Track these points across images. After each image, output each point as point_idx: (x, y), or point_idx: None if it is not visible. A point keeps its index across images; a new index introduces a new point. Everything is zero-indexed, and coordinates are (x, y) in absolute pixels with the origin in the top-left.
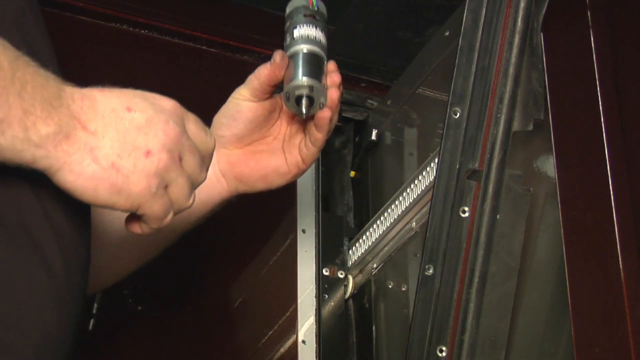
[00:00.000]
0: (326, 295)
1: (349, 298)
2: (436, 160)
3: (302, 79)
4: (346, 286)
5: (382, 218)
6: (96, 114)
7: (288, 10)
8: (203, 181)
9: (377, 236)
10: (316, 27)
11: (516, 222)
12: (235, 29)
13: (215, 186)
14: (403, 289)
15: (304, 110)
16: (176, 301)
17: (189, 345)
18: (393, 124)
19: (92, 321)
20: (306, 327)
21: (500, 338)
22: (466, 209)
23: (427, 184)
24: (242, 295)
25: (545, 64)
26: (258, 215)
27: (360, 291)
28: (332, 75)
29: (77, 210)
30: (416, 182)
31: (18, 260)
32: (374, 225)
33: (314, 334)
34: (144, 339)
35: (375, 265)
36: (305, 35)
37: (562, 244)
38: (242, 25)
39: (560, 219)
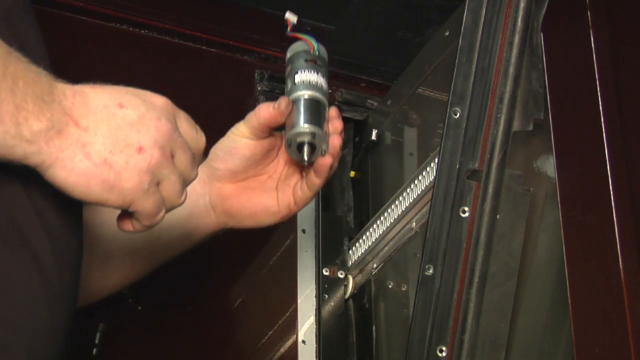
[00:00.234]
0: (326, 295)
1: (349, 298)
2: (436, 160)
3: (304, 126)
4: (346, 286)
5: (382, 218)
6: (88, 110)
7: (289, 54)
8: (194, 179)
9: (377, 236)
10: (317, 73)
11: (516, 222)
12: (235, 29)
13: (203, 217)
14: (403, 289)
15: (305, 157)
16: (176, 301)
17: (189, 345)
18: (393, 124)
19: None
20: (306, 327)
21: (500, 338)
22: (466, 209)
23: (427, 184)
24: (242, 295)
25: (545, 64)
26: None
27: (360, 291)
28: (334, 122)
29: (69, 208)
30: (416, 182)
31: (9, 259)
32: (374, 225)
33: (314, 334)
34: (144, 339)
35: (375, 265)
36: (307, 80)
37: (562, 244)
38: (242, 25)
39: (560, 219)
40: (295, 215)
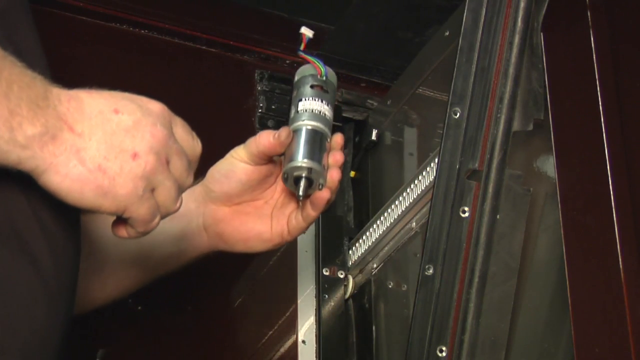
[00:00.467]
0: (326, 295)
1: (349, 298)
2: (436, 160)
3: (301, 160)
4: (346, 286)
5: (382, 218)
6: (83, 116)
7: (296, 77)
8: (190, 185)
9: (377, 236)
10: (322, 100)
11: (516, 222)
12: (235, 29)
13: (196, 238)
14: (403, 289)
15: (301, 192)
16: (176, 301)
17: (189, 345)
18: (393, 124)
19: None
20: (306, 327)
21: (500, 338)
22: (466, 209)
23: (427, 184)
24: (242, 295)
25: (545, 64)
26: None
27: (360, 291)
28: (335, 155)
29: (67, 211)
30: (416, 182)
31: (7, 260)
32: (374, 225)
33: (314, 334)
34: (144, 339)
35: (375, 265)
36: (310, 109)
37: (562, 244)
38: (242, 25)
39: (560, 219)
40: None
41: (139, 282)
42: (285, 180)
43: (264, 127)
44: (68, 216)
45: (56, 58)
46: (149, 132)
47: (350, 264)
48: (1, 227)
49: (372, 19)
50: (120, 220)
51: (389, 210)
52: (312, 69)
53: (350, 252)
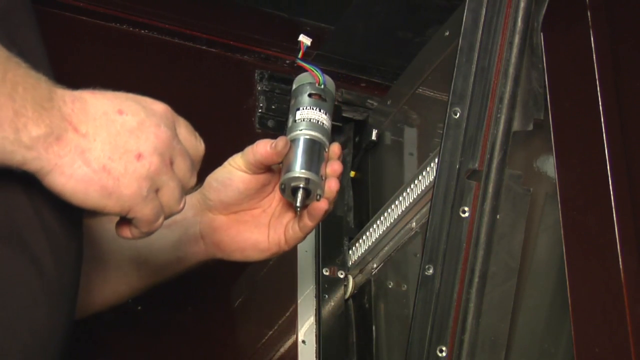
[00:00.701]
0: (326, 295)
1: (349, 298)
2: (436, 160)
3: (298, 171)
4: (346, 286)
5: (382, 218)
6: (87, 117)
7: (294, 85)
8: (193, 185)
9: (377, 236)
10: (320, 109)
11: (516, 222)
12: (235, 29)
13: (193, 246)
14: (403, 289)
15: (298, 203)
16: (176, 301)
17: (189, 345)
18: (393, 124)
19: None
20: (306, 327)
21: (500, 338)
22: (466, 209)
23: (427, 184)
24: (242, 295)
25: (545, 64)
26: None
27: (360, 291)
28: (333, 164)
29: (69, 210)
30: (416, 182)
31: (8, 260)
32: (374, 225)
33: (314, 334)
34: (144, 339)
35: (375, 265)
36: (308, 119)
37: (562, 244)
38: (242, 25)
39: (560, 219)
40: None
41: (137, 288)
42: (282, 190)
43: (264, 127)
44: (70, 216)
45: (56, 58)
46: (153, 132)
47: (350, 264)
48: (2, 228)
49: (372, 19)
50: (124, 220)
51: (389, 210)
52: (310, 77)
53: (350, 252)
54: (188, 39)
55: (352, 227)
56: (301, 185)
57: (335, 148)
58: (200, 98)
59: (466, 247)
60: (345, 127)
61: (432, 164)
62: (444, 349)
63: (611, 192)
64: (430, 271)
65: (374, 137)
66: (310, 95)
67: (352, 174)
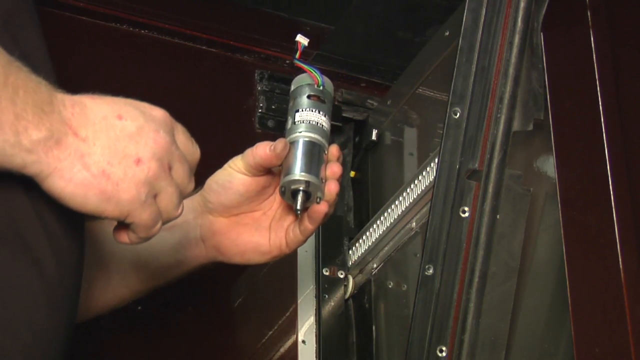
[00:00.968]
0: (326, 295)
1: (349, 298)
2: (436, 160)
3: (298, 174)
4: (346, 286)
5: (382, 218)
6: (87, 121)
7: (293, 87)
8: (191, 191)
9: (377, 236)
10: (319, 111)
11: (516, 222)
12: (235, 29)
13: (193, 249)
14: (403, 289)
15: (298, 206)
16: (176, 301)
17: (189, 345)
18: (393, 124)
19: None
20: (306, 327)
21: (500, 338)
22: (466, 209)
23: (427, 184)
24: (242, 295)
25: (545, 64)
26: None
27: (360, 291)
28: (332, 167)
29: (70, 212)
30: (416, 182)
31: (9, 262)
32: (374, 225)
33: (314, 334)
34: (144, 339)
35: (375, 265)
36: (307, 120)
37: (562, 244)
38: (242, 25)
39: (560, 219)
40: None
41: (137, 291)
42: (282, 193)
43: (264, 127)
44: (72, 219)
45: (56, 58)
46: (152, 138)
47: (350, 264)
48: (4, 229)
49: (372, 19)
50: (122, 225)
51: (389, 210)
52: (309, 78)
53: (350, 252)
54: (188, 39)
55: (352, 227)
56: (301, 188)
57: (334, 150)
58: (201, 98)
59: (466, 247)
60: (345, 127)
61: (432, 164)
62: (444, 349)
63: (611, 192)
64: (430, 271)
65: (374, 137)
66: (309, 97)
67: (352, 174)
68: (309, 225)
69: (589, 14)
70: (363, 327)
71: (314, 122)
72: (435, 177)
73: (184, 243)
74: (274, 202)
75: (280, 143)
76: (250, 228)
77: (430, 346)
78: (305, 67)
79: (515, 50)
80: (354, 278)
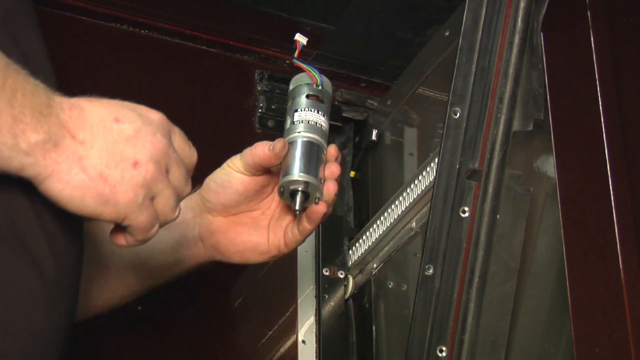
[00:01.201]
0: (326, 295)
1: (349, 298)
2: (436, 160)
3: (297, 174)
4: (346, 286)
5: (382, 218)
6: (85, 124)
7: (291, 86)
8: (188, 194)
9: (377, 236)
10: (318, 111)
11: (516, 222)
12: (235, 29)
13: (192, 248)
14: (403, 289)
15: (297, 207)
16: (176, 301)
17: (189, 345)
18: (393, 124)
19: None
20: (306, 327)
21: (500, 338)
22: (466, 209)
23: (427, 184)
24: (242, 295)
25: (545, 64)
26: None
27: (360, 291)
28: (331, 167)
29: (70, 213)
30: (416, 182)
31: (8, 262)
32: (374, 225)
33: (314, 334)
34: (144, 339)
35: (375, 265)
36: (306, 120)
37: (562, 244)
38: (242, 25)
39: (560, 219)
40: None
41: (136, 291)
42: (281, 193)
43: (264, 127)
44: (71, 220)
45: (56, 58)
46: (150, 141)
47: (350, 264)
48: (3, 230)
49: (372, 19)
50: (119, 228)
51: (389, 210)
52: (308, 77)
53: (350, 252)
54: (188, 39)
55: (352, 227)
56: (300, 189)
57: (332, 150)
58: (201, 98)
59: (466, 247)
60: (345, 127)
61: (432, 164)
62: (444, 349)
63: (611, 192)
64: (430, 271)
65: (374, 137)
66: (308, 96)
67: (352, 174)
68: (307, 226)
69: (589, 14)
70: (363, 327)
71: (312, 122)
72: (435, 177)
73: (182, 242)
74: (273, 201)
75: (279, 143)
76: (248, 227)
77: (430, 346)
78: (304, 66)
79: (515, 50)
80: (354, 278)
